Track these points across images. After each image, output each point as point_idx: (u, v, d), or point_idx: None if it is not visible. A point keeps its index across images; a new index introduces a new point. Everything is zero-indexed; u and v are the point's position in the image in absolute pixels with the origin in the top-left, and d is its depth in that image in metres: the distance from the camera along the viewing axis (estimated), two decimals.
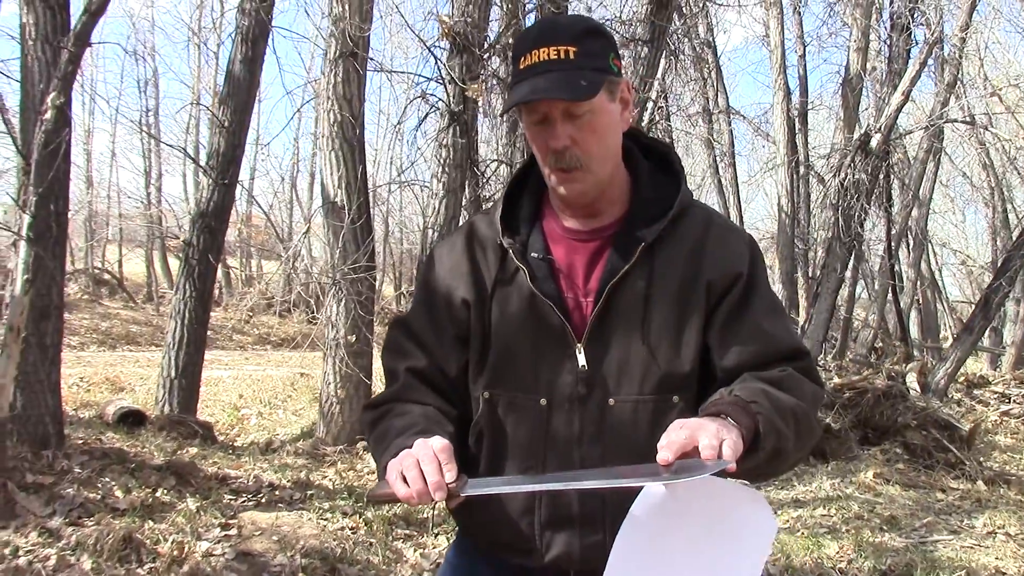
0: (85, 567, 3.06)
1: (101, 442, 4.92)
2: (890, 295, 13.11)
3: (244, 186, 17.26)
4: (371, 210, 6.87)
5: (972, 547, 4.47)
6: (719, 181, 14.45)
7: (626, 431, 1.29)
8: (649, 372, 1.29)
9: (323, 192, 6.51)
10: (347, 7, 6.04)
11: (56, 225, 4.20)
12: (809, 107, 13.54)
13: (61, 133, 3.98)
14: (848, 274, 10.59)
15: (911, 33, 9.52)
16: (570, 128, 1.25)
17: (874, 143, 8.60)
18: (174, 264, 16.41)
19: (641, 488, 1.07)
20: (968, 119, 11.91)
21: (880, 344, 13.92)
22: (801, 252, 12.78)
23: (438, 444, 1.16)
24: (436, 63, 6.07)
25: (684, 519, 1.09)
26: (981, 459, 6.64)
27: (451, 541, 1.62)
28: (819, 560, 4.09)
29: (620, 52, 1.48)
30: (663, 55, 7.03)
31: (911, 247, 16.03)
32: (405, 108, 7.29)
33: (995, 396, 10.14)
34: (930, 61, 10.11)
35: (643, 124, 7.19)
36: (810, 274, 12.44)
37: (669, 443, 1.07)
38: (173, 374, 6.39)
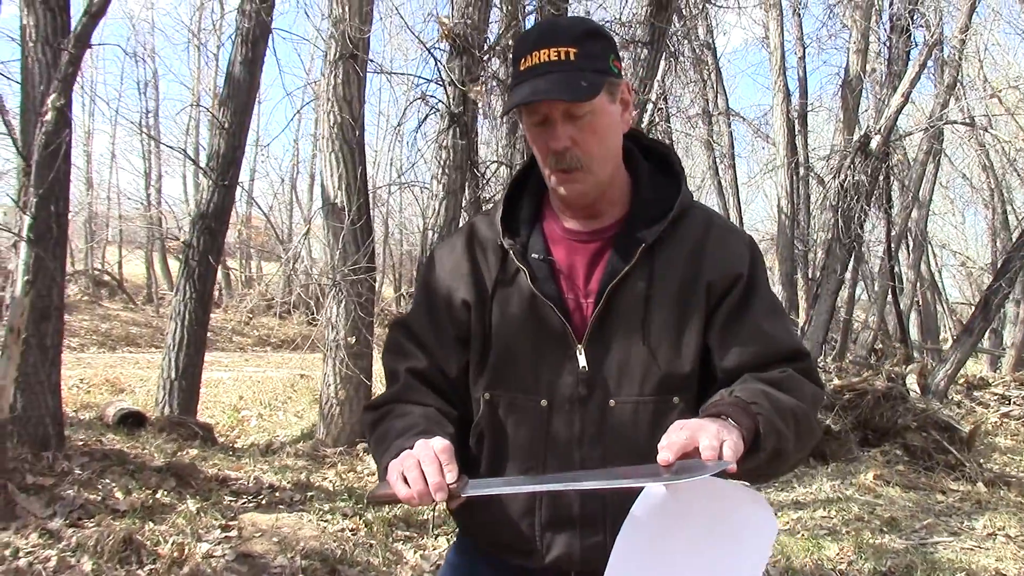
0: (85, 568, 3.06)
1: (101, 443, 4.91)
2: (890, 297, 13.12)
3: (244, 187, 17.25)
4: (371, 211, 6.87)
5: (972, 549, 4.47)
6: (719, 183, 14.45)
7: (627, 432, 1.29)
8: (649, 373, 1.29)
9: (323, 193, 6.51)
10: (347, 9, 6.04)
11: (56, 226, 4.20)
12: (809, 109, 13.55)
13: (61, 134, 3.99)
14: (848, 275, 10.60)
15: (911, 35, 9.52)
16: (571, 129, 1.25)
17: (874, 145, 8.61)
18: (174, 265, 16.41)
19: (642, 489, 1.07)
20: (968, 121, 11.93)
21: (880, 346, 13.92)
22: (801, 253, 12.78)
23: (439, 445, 1.16)
24: (436, 65, 6.07)
25: (685, 520, 1.09)
26: (981, 461, 6.64)
27: (451, 542, 1.62)
28: (819, 562, 4.09)
29: (620, 54, 1.48)
30: (663, 57, 7.03)
31: (911, 249, 16.03)
32: (405, 110, 7.28)
33: (995, 398, 10.14)
34: (930, 63, 10.11)
35: (643, 126, 7.19)
36: (810, 275, 12.44)
37: (670, 444, 1.07)
38: (173, 375, 6.39)
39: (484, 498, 1.20)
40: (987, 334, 13.37)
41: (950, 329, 20.28)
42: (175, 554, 3.30)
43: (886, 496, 5.51)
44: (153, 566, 3.20)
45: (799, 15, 13.21)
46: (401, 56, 19.26)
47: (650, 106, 7.45)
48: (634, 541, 1.07)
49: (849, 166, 8.68)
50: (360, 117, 6.43)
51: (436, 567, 3.63)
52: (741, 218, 14.57)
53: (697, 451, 1.06)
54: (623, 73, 1.32)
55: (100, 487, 4.02)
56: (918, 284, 17.08)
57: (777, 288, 11.28)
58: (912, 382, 8.27)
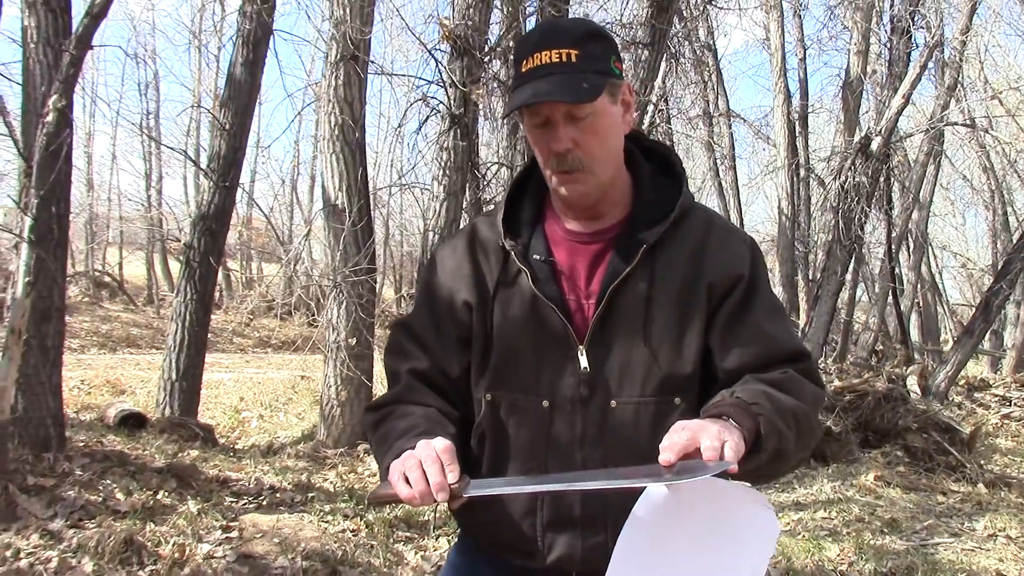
0: (86, 569, 3.06)
1: (102, 444, 4.92)
2: (890, 298, 13.10)
3: (245, 189, 17.29)
4: (372, 213, 6.86)
5: (973, 550, 4.47)
6: (719, 184, 14.46)
7: (628, 433, 1.29)
8: (651, 374, 1.29)
9: (324, 195, 6.51)
10: (348, 10, 6.05)
11: (57, 227, 4.21)
12: (809, 110, 13.56)
13: (62, 136, 3.99)
14: (848, 277, 10.60)
15: (911, 36, 9.52)
16: (572, 131, 1.25)
17: (874, 146, 8.60)
18: (175, 267, 16.39)
19: (643, 489, 1.07)
20: (968, 122, 11.92)
21: (880, 347, 13.90)
22: (801, 255, 12.78)
23: (440, 445, 1.16)
24: (437, 66, 6.07)
25: (686, 520, 1.09)
26: (982, 462, 6.64)
27: (452, 542, 1.62)
28: (820, 563, 4.09)
29: (621, 55, 1.48)
30: (664, 58, 7.03)
31: (911, 250, 16.03)
32: (406, 111, 7.26)
33: (996, 399, 10.13)
34: (930, 64, 10.11)
35: (644, 127, 7.19)
36: (810, 277, 12.45)
37: (671, 444, 1.08)
38: (174, 377, 6.40)
39: (486, 498, 1.20)
40: (988, 336, 13.36)
41: (951, 331, 20.26)
42: (176, 555, 3.30)
43: (887, 497, 5.51)
44: (154, 567, 3.20)
45: (800, 16, 13.21)
46: (402, 57, 19.24)
47: (651, 107, 7.45)
48: (635, 541, 1.07)
49: (850, 167, 8.68)
50: (361, 118, 6.43)
51: (437, 568, 3.63)
52: (742, 219, 14.58)
53: (698, 452, 1.06)
54: (624, 74, 1.32)
55: (101, 488, 4.02)
56: (919, 285, 17.07)
57: (778, 289, 11.27)
58: (913, 383, 8.26)
